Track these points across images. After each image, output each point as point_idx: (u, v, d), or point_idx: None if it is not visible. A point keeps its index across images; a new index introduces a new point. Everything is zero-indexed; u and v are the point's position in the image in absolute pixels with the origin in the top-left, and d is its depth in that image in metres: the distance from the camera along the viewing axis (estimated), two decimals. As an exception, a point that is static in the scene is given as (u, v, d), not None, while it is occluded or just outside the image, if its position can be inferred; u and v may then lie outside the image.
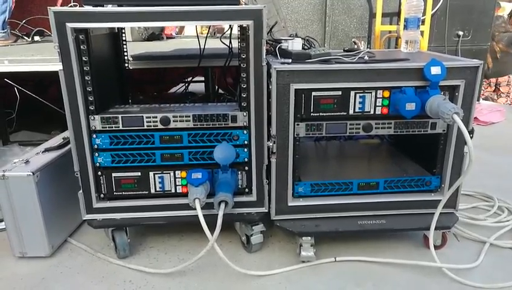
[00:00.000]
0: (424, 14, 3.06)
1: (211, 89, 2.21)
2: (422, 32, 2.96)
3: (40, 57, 1.81)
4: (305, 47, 1.49)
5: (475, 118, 3.07)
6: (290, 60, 1.30)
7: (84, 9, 1.19)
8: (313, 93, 1.29)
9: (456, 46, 3.29)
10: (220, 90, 2.77)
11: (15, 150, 1.87)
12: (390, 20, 3.29)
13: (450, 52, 3.29)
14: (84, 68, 1.24)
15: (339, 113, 1.31)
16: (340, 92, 1.29)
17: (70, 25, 1.18)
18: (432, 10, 3.05)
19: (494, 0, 3.36)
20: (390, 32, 3.00)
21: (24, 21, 2.88)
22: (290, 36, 1.52)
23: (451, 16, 3.19)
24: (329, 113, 1.31)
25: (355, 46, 3.48)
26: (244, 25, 1.24)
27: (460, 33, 3.26)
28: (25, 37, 2.84)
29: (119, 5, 1.21)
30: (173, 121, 1.31)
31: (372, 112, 1.32)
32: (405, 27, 1.61)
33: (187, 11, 1.20)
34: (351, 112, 1.31)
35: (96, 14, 1.18)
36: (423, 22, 3.03)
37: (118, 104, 1.48)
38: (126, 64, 1.77)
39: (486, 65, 5.24)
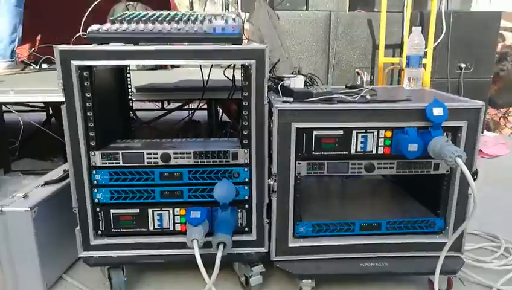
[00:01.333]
0: (426, 46, 3.10)
1: (214, 119, 2.21)
2: (424, 65, 2.98)
3: (46, 88, 1.83)
4: (307, 84, 1.50)
5: (479, 150, 3.05)
6: (291, 99, 1.30)
7: (90, 47, 1.20)
8: (315, 132, 1.28)
9: (459, 78, 3.31)
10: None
11: (16, 179, 1.87)
12: (393, 51, 3.33)
13: (452, 85, 3.31)
14: (87, 104, 1.25)
15: (340, 153, 1.30)
16: (341, 132, 1.29)
17: (75, 63, 1.19)
18: (434, 43, 3.08)
19: (497, 33, 3.41)
20: (393, 64, 3.02)
21: (33, 49, 2.94)
22: (292, 72, 1.53)
23: (453, 48, 3.22)
24: (331, 153, 1.30)
25: (359, 77, 3.52)
26: (246, 64, 1.25)
27: (463, 66, 3.28)
28: (32, 65, 2.89)
29: (123, 44, 1.22)
30: (174, 157, 1.30)
31: (374, 152, 1.31)
32: (407, 65, 1.62)
33: (190, 50, 1.22)
34: (352, 151, 1.30)
35: (102, 53, 1.20)
36: (425, 54, 3.06)
37: (119, 137, 1.49)
38: (130, 96, 1.78)
39: (495, 92, 5.23)
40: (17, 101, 1.82)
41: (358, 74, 3.41)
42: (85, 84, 1.24)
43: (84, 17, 2.93)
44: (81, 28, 3.10)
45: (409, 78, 1.62)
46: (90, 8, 2.83)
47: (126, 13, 1.49)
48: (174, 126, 2.75)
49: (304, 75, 1.53)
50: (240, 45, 1.24)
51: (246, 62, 1.24)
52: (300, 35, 3.30)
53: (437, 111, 1.25)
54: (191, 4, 1.60)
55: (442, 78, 3.29)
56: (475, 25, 3.24)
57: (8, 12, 2.33)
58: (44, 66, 2.98)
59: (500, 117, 5.61)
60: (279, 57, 2.88)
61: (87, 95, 1.25)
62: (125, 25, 1.29)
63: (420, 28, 1.60)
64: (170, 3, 3.13)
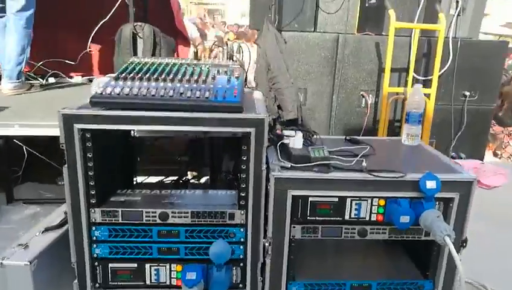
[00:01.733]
0: (431, 74, 3.10)
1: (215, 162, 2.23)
2: (428, 95, 2.99)
3: (51, 122, 1.87)
4: (307, 138, 1.52)
5: (478, 181, 3.06)
6: (289, 165, 1.32)
7: (93, 112, 1.23)
8: (310, 199, 1.31)
9: (463, 106, 3.31)
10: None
11: (19, 208, 1.91)
12: (399, 76, 3.32)
13: (456, 111, 3.31)
14: (88, 164, 1.28)
15: (334, 218, 1.34)
16: (336, 199, 1.32)
17: (77, 126, 1.23)
18: (440, 71, 3.08)
19: (502, 62, 3.39)
20: (397, 94, 3.02)
21: (40, 63, 2.97)
22: (291, 129, 1.54)
23: (458, 76, 3.21)
24: (325, 218, 1.33)
25: (363, 100, 3.51)
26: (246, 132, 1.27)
27: (467, 93, 3.28)
28: (39, 79, 2.92)
29: (124, 109, 1.24)
30: (171, 216, 1.34)
31: (367, 218, 1.34)
32: (407, 121, 1.64)
33: (191, 118, 1.24)
34: (346, 217, 1.34)
35: (104, 118, 1.23)
36: (431, 83, 3.06)
37: (120, 186, 1.52)
38: (132, 133, 1.80)
39: (504, 111, 5.24)
40: (21, 134, 1.86)
41: (363, 96, 3.42)
42: (87, 144, 1.27)
43: (91, 36, 2.95)
44: (89, 44, 3.11)
45: (407, 134, 1.63)
46: (97, 27, 2.85)
47: (132, 62, 1.52)
48: (176, 147, 2.76)
49: (303, 131, 1.55)
50: (241, 112, 1.26)
51: (246, 130, 1.26)
52: (307, 56, 3.29)
53: (430, 184, 1.28)
54: (196, 54, 1.61)
55: (446, 104, 3.29)
56: (481, 53, 3.22)
57: (17, 34, 2.35)
58: (51, 79, 3.02)
59: (504, 135, 5.62)
60: (284, 82, 2.89)
61: (89, 155, 1.28)
62: (128, 83, 1.31)
63: (421, 85, 1.61)
64: (175, 20, 3.11)
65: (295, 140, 1.44)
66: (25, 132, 1.85)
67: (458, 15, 3.12)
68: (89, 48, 2.88)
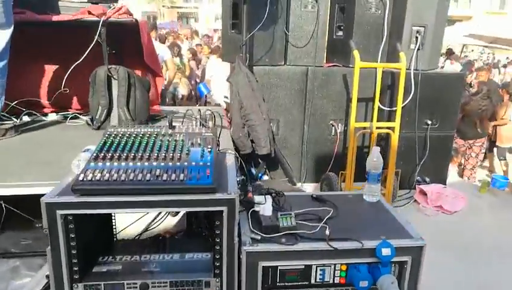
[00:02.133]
0: (396, 104, 3.29)
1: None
2: (393, 128, 3.18)
3: (29, 182, 1.92)
4: (276, 203, 1.65)
5: (439, 206, 3.29)
6: (259, 237, 1.45)
7: (74, 199, 1.31)
8: (279, 268, 1.44)
9: (425, 133, 3.53)
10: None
11: (-1, 263, 1.96)
12: (366, 105, 3.52)
13: (420, 138, 3.53)
14: (71, 243, 1.36)
15: (302, 283, 1.47)
16: (303, 267, 1.45)
17: (60, 212, 1.31)
18: (403, 103, 3.28)
19: (460, 91, 3.63)
20: (364, 128, 3.20)
21: (14, 102, 2.97)
22: (261, 193, 1.66)
23: (420, 106, 3.43)
24: (293, 283, 1.47)
25: (333, 128, 3.67)
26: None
27: (429, 122, 3.50)
28: (13, 119, 2.93)
29: (105, 194, 1.33)
30: (152, 286, 1.44)
31: (331, 281, 1.48)
32: (367, 179, 1.79)
33: (168, 200, 1.34)
34: (312, 281, 1.47)
35: (85, 204, 1.31)
36: (395, 115, 3.26)
37: (102, 251, 1.60)
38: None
39: (474, 124, 5.57)
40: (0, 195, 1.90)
41: (333, 125, 3.60)
42: (70, 226, 1.35)
43: (65, 77, 2.98)
44: (63, 84, 3.14)
45: (368, 191, 1.78)
46: (71, 69, 2.89)
47: (110, 135, 1.60)
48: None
49: (272, 193, 1.68)
50: (214, 193, 1.37)
51: (218, 209, 1.37)
52: (278, 89, 3.44)
53: (385, 251, 1.43)
54: (171, 123, 1.71)
55: (410, 132, 3.49)
56: (440, 84, 3.45)
57: (-10, 84, 2.37)
58: (25, 118, 3.03)
59: (466, 148, 5.96)
60: (257, 119, 3.02)
61: (71, 236, 1.36)
62: (107, 165, 1.40)
63: (379, 148, 1.76)
64: (144, 57, 3.18)
65: (265, 208, 1.57)
66: (4, 192, 1.90)
67: (418, 49, 3.33)
68: (63, 87, 2.91)
